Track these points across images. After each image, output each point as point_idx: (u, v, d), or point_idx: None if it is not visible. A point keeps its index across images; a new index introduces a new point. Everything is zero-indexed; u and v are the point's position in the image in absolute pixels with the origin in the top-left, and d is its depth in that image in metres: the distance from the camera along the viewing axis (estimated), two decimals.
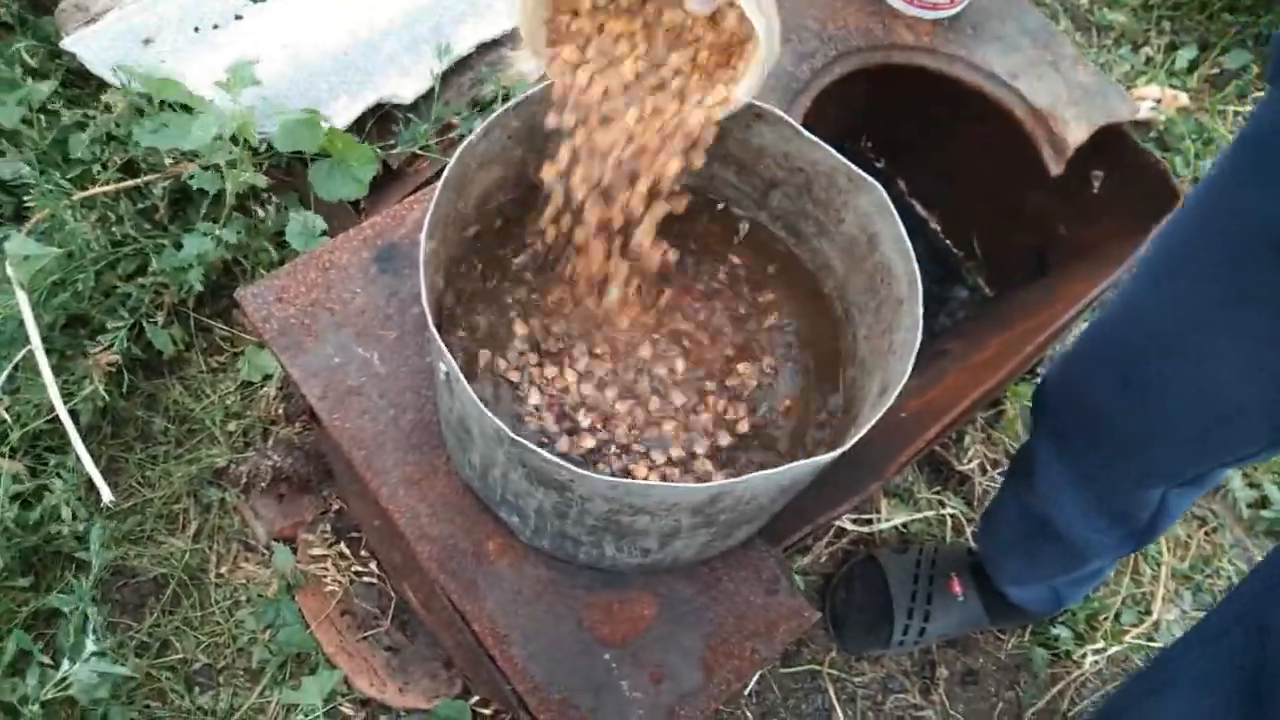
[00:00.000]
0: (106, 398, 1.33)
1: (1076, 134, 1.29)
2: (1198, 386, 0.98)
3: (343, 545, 1.36)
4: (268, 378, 1.45)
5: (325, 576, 1.35)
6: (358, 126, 1.39)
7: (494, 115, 0.84)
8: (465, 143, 0.83)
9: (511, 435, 0.73)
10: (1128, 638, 1.60)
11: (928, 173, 1.65)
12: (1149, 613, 1.64)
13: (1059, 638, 1.59)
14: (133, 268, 1.36)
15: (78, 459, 1.26)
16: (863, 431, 0.79)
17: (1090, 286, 1.28)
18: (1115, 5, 2.14)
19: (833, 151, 0.88)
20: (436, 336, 0.76)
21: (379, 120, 1.43)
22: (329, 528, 1.38)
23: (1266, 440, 0.99)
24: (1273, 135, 0.84)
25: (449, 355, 0.75)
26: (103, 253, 1.29)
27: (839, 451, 0.78)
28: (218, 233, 1.28)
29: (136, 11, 1.32)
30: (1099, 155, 1.34)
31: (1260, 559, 1.68)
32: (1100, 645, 1.58)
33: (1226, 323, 0.92)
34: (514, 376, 0.95)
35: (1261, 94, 2.08)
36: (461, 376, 0.75)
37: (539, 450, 0.73)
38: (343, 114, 1.35)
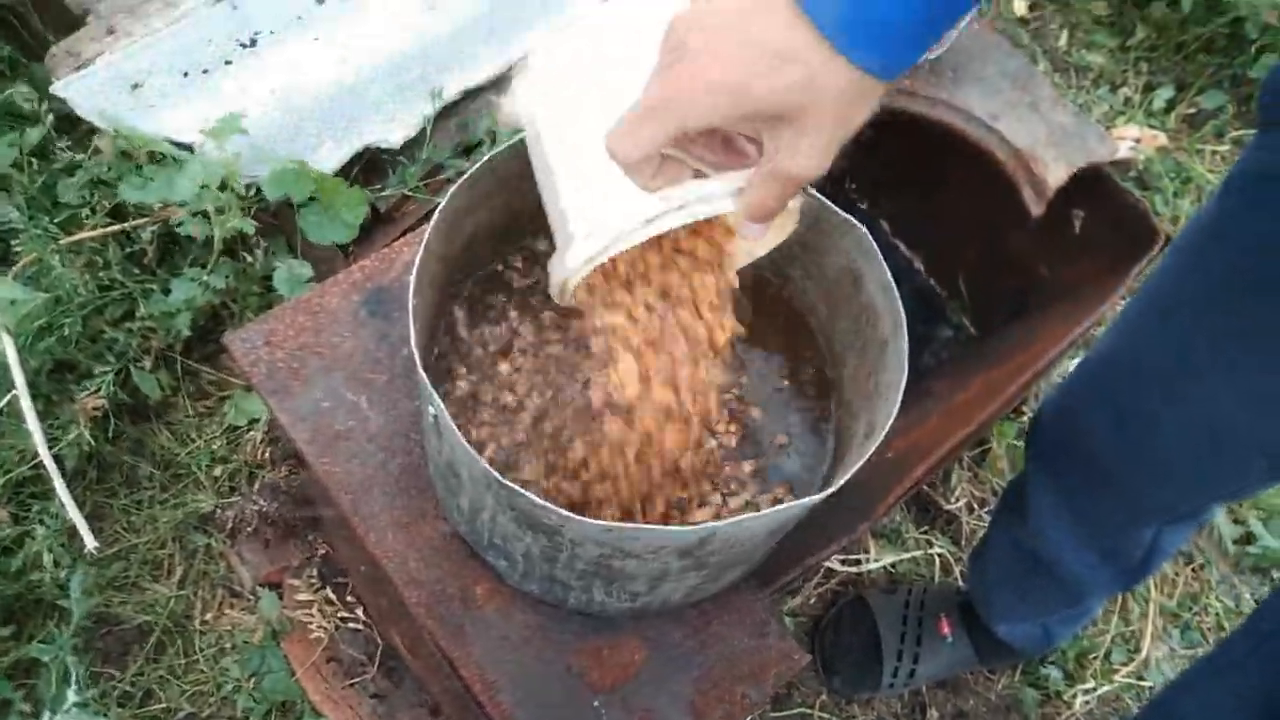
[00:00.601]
0: (92, 443, 1.32)
1: (1057, 175, 1.31)
2: (1192, 422, 0.98)
3: (329, 591, 1.35)
4: (254, 422, 1.45)
5: (311, 623, 1.33)
6: (344, 172, 1.40)
7: (481, 162, 0.85)
8: (453, 188, 0.83)
9: (500, 479, 0.73)
10: (1117, 677, 1.60)
11: (912, 214, 1.66)
12: (1138, 651, 1.64)
13: (1049, 677, 1.58)
14: (120, 313, 1.35)
15: (61, 505, 1.25)
16: (850, 472, 0.79)
17: (1072, 326, 1.29)
18: (1093, 47, 2.18)
19: (815, 193, 0.89)
20: (425, 380, 0.76)
21: (365, 166, 1.44)
22: (315, 573, 1.36)
23: (1261, 474, 0.99)
24: (1259, 178, 0.86)
25: (438, 399, 0.75)
26: (90, 298, 1.29)
27: (827, 493, 0.78)
28: (205, 278, 1.28)
29: (126, 57, 1.33)
30: (1079, 195, 1.36)
31: (1247, 593, 1.69)
32: (1090, 685, 1.57)
33: (1222, 359, 0.93)
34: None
35: (1238, 133, 2.11)
36: (450, 420, 0.75)
37: (528, 494, 0.73)
38: (329, 159, 1.36)
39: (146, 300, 1.32)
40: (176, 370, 1.45)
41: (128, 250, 1.32)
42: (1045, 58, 2.14)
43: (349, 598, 1.36)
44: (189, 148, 1.26)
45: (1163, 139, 2.04)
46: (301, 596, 1.35)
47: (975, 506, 1.69)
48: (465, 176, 0.84)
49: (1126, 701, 1.59)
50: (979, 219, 1.51)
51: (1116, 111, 2.11)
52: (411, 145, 1.46)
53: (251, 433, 1.43)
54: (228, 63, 1.35)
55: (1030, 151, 1.31)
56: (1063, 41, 2.18)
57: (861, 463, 0.80)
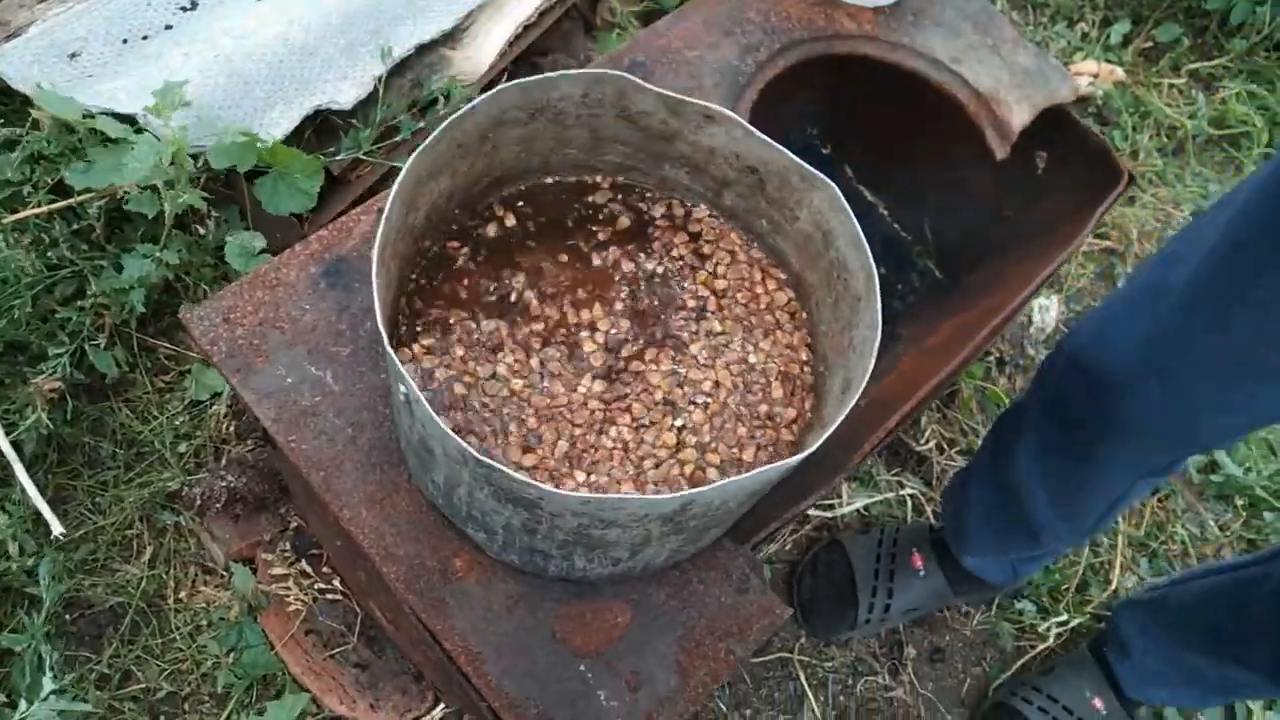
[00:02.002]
0: (50, 426, 1.28)
1: (1020, 117, 1.30)
2: (1231, 364, 0.96)
3: (304, 563, 1.34)
4: (216, 395, 1.42)
5: (288, 596, 1.32)
6: (296, 135, 1.36)
7: (442, 126, 0.82)
8: (414, 155, 0.81)
9: (477, 456, 0.72)
10: (1089, 608, 1.63)
11: (875, 159, 1.65)
12: (1109, 582, 1.67)
13: (1023, 611, 1.61)
14: (70, 290, 1.31)
15: (23, 491, 1.22)
16: (829, 431, 0.79)
17: (1040, 267, 1.29)
18: None
19: (784, 150, 0.88)
20: (395, 359, 0.74)
21: (317, 128, 1.40)
22: (289, 546, 1.35)
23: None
24: None
25: (409, 378, 0.74)
26: (39, 277, 1.25)
27: (807, 453, 0.78)
28: (158, 254, 1.24)
29: (60, 24, 1.27)
30: (1042, 136, 1.35)
31: (1211, 520, 1.72)
32: (1064, 617, 1.60)
33: None
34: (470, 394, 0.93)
35: (1194, 65, 2.11)
36: (422, 399, 0.73)
37: (506, 469, 0.72)
38: (280, 123, 1.32)
39: (97, 277, 1.28)
40: (133, 346, 1.41)
41: (74, 227, 1.28)
42: None
43: (325, 569, 1.34)
44: (131, 119, 1.21)
45: (1120, 73, 2.04)
46: (276, 570, 1.33)
47: (945, 447, 1.70)
48: (423, 146, 0.81)
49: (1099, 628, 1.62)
50: (943, 163, 1.50)
51: (1074, 47, 2.10)
52: (364, 104, 1.42)
53: (214, 407, 1.40)
54: (168, 27, 1.30)
55: (993, 94, 1.30)
56: None
57: (840, 420, 0.79)
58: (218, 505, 1.33)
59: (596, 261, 1.00)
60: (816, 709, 1.51)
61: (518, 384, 0.91)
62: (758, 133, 0.88)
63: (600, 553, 0.86)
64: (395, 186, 0.79)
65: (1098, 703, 1.46)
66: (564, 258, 1.00)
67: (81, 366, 1.35)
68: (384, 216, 0.78)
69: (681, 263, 1.01)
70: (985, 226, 1.54)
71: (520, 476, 0.72)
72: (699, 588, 0.97)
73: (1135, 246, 1.91)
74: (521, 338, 0.94)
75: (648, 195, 1.02)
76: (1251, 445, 1.75)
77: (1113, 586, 1.66)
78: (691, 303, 0.99)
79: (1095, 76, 2.05)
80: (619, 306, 0.99)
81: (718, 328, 0.98)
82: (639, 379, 0.96)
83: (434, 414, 0.73)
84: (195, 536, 1.39)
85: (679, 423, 0.95)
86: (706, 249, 1.02)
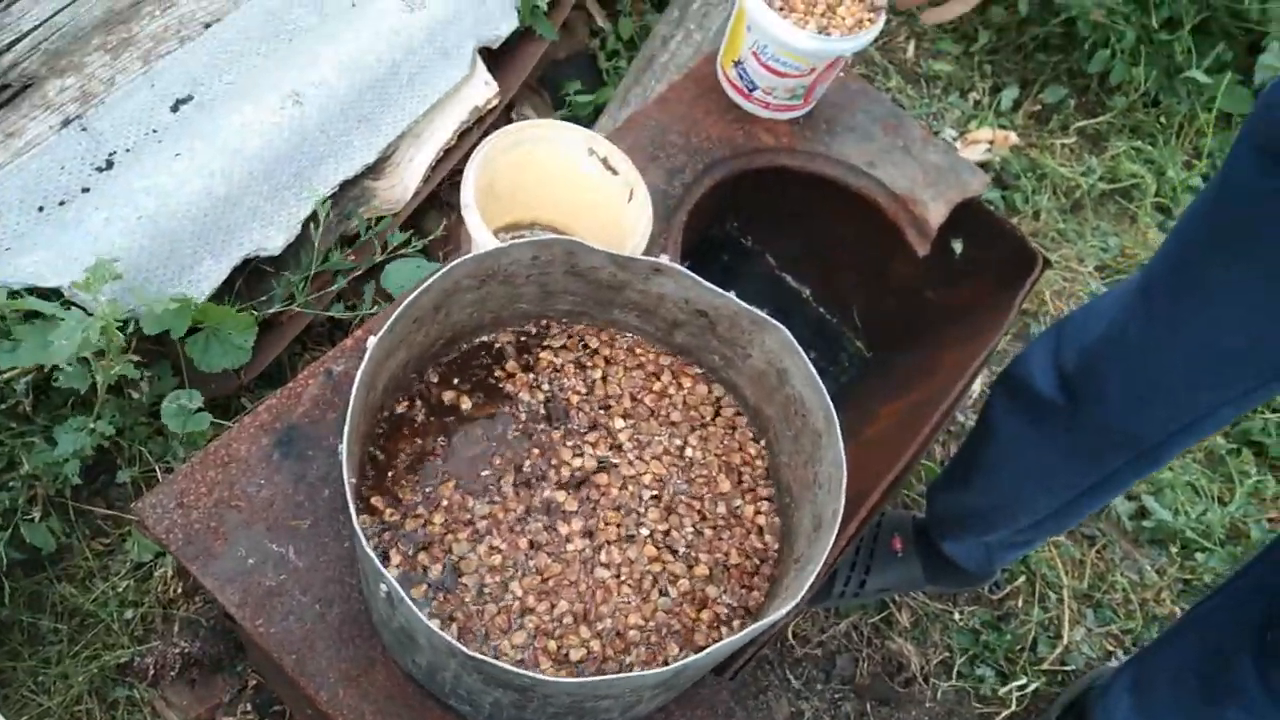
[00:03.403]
0: None
1: (937, 213, 1.36)
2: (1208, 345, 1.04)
3: None
4: (160, 555, 1.37)
5: None
6: (227, 284, 1.34)
7: (399, 309, 0.82)
8: (374, 342, 0.81)
9: (466, 652, 0.72)
10: (1044, 665, 1.67)
11: (796, 248, 1.69)
12: (1059, 636, 1.71)
13: (984, 678, 1.64)
14: None
15: None
16: (810, 579, 0.80)
17: (969, 356, 1.34)
18: (939, 56, 2.26)
19: (733, 297, 0.90)
20: (376, 561, 0.73)
21: (247, 274, 1.38)
22: (249, 706, 1.31)
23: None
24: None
25: (389, 576, 0.73)
26: None
27: (794, 603, 0.79)
28: (92, 425, 1.21)
29: None
30: (957, 225, 1.41)
31: (1148, 565, 1.78)
32: (1023, 681, 1.64)
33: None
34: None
35: (1082, 123, 2.22)
36: (406, 597, 0.72)
37: (497, 663, 0.71)
38: (209, 277, 1.30)
39: (28, 452, 1.24)
40: (68, 514, 1.36)
41: (0, 406, 1.23)
42: (896, 71, 2.21)
43: None
44: (57, 291, 1.18)
45: (1014, 138, 2.13)
46: None
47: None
48: (381, 331, 0.81)
49: (1056, 693, 1.66)
50: (863, 251, 1.55)
51: (969, 116, 2.19)
52: (292, 247, 1.41)
53: (160, 569, 1.36)
54: (85, 190, 1.27)
55: (909, 194, 1.35)
56: (910, 53, 2.25)
57: (821, 564, 0.81)
58: (172, 673, 1.29)
59: (507, 408, 1.00)
60: None
61: (496, 560, 0.91)
62: (706, 284, 0.90)
63: (590, 718, 0.85)
64: (359, 377, 0.79)
65: None
66: (490, 414, 1.00)
67: (13, 542, 1.30)
68: (349, 410, 0.78)
69: (570, 376, 1.02)
70: (909, 309, 1.58)
71: (513, 669, 0.72)
72: None
73: (1049, 307, 1.99)
74: (503, 517, 0.94)
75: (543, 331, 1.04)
76: (1177, 490, 1.83)
77: (1064, 642, 1.70)
78: (582, 401, 1.01)
79: (991, 143, 2.14)
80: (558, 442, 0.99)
81: (620, 424, 0.99)
82: (596, 489, 0.96)
83: (421, 615, 0.72)
84: (150, 706, 1.34)
85: (644, 531, 0.95)
86: (595, 359, 1.04)
